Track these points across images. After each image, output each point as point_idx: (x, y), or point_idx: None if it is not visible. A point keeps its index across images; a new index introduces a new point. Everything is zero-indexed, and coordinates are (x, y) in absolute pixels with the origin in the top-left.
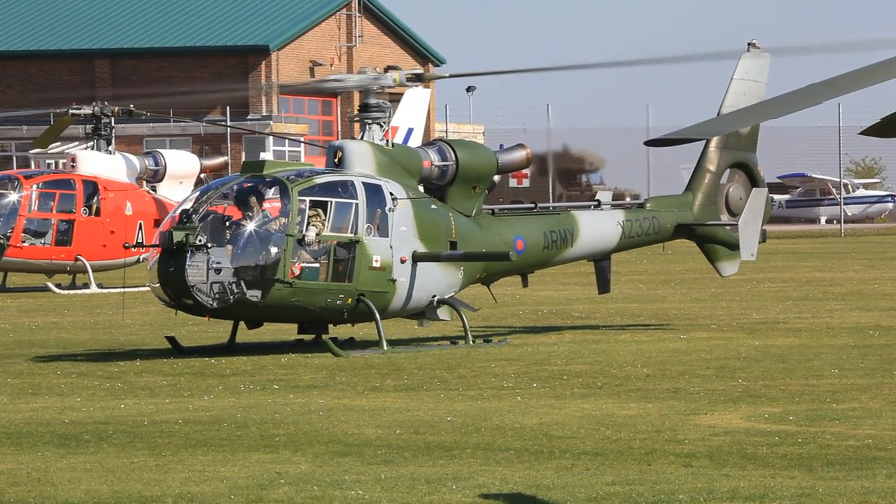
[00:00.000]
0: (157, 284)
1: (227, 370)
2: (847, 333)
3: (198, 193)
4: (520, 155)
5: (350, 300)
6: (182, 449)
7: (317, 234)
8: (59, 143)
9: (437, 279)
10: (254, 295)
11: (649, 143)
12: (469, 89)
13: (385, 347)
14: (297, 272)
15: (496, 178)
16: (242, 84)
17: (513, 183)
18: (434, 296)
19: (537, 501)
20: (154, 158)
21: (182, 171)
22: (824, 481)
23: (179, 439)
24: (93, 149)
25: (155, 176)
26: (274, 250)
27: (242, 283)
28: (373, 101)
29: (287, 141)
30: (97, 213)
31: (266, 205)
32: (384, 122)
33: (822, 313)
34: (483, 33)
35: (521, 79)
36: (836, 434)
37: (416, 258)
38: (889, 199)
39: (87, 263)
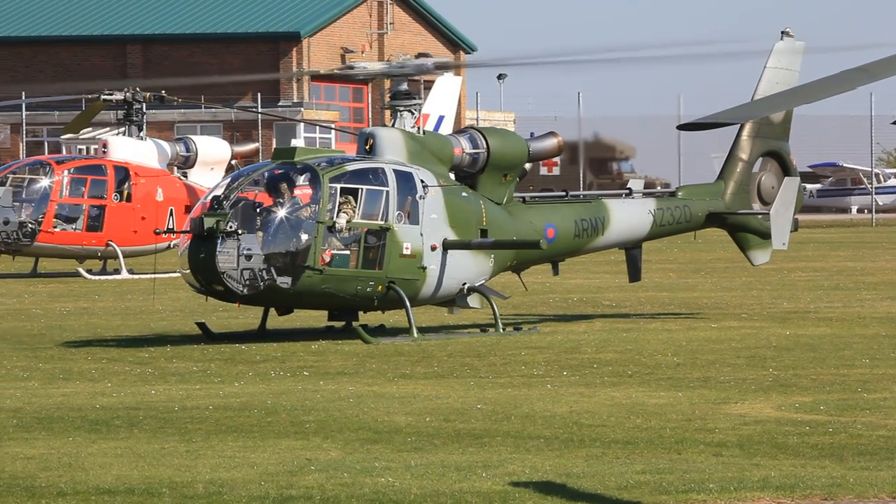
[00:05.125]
0: (188, 270)
1: (257, 356)
2: (878, 323)
3: (229, 180)
4: (551, 143)
5: (380, 287)
6: (212, 435)
7: (347, 222)
8: (90, 129)
9: (468, 267)
10: (284, 282)
11: (682, 128)
12: (500, 77)
13: (415, 335)
14: (327, 259)
15: (527, 165)
16: (273, 70)
17: (543, 171)
18: (464, 283)
19: (567, 490)
20: (185, 144)
21: (213, 157)
22: (855, 471)
23: (210, 425)
24: (124, 134)
25: (186, 162)
26: (304, 237)
27: (273, 270)
28: (404, 88)
29: (318, 128)
30: (128, 199)
31: (297, 191)
32: (415, 110)
33: (853, 303)
34: (514, 21)
35: (553, 67)
36: (868, 424)
37: (447, 246)
38: None
39: (118, 249)
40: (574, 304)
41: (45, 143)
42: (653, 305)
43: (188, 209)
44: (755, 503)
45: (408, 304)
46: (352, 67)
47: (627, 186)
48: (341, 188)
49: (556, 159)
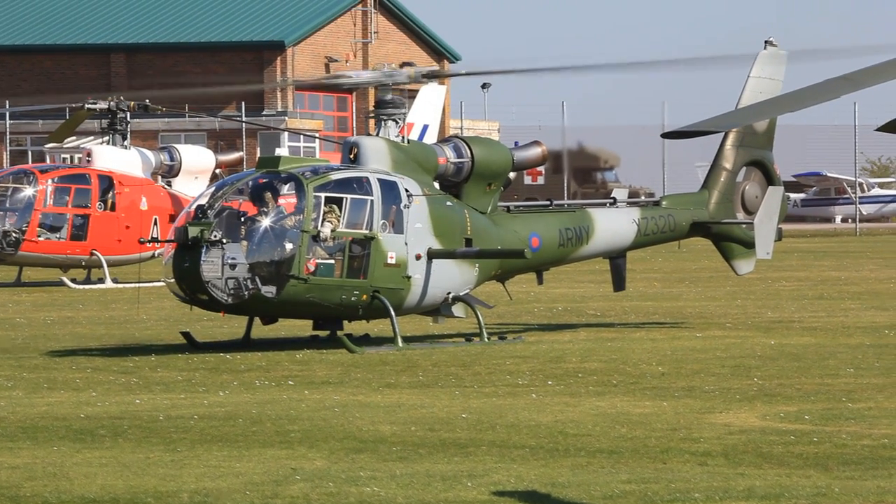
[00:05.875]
0: (172, 280)
1: (242, 366)
2: (862, 332)
3: (213, 189)
4: (535, 152)
5: (365, 297)
6: (197, 444)
7: (332, 231)
8: (74, 138)
9: (453, 276)
10: (269, 291)
11: (666, 136)
12: (484, 86)
13: (400, 344)
14: (311, 268)
15: (511, 175)
16: (258, 79)
17: (528, 180)
18: (449, 293)
19: (552, 499)
20: (169, 153)
21: (197, 166)
22: (840, 481)
23: (195, 435)
24: (108, 143)
25: (170, 171)
26: (289, 246)
27: (257, 279)
28: (388, 97)
29: (302, 137)
30: (112, 208)
31: (281, 201)
32: (399, 119)
33: (837, 312)
34: (499, 31)
35: (537, 76)
36: (852, 433)
37: (432, 255)
38: None
39: (102, 258)
40: (559, 313)
41: (29, 152)
42: (637, 315)
43: (172, 218)
44: None
45: (392, 313)
46: (339, 77)
47: (612, 196)
48: (326, 197)
49: (541, 168)
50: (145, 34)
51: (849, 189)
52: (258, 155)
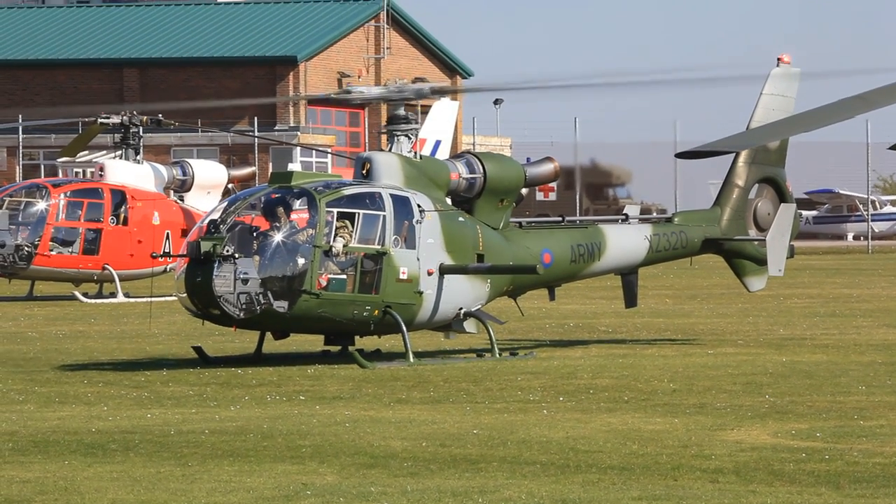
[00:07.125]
0: (184, 294)
1: (253, 381)
2: (874, 350)
3: (225, 204)
4: (547, 168)
5: (377, 312)
6: (208, 459)
7: (344, 246)
8: (87, 152)
9: (464, 292)
10: (280, 306)
11: (680, 156)
12: (497, 102)
13: (411, 359)
14: (324, 283)
15: (523, 191)
16: (270, 95)
17: (540, 196)
18: (461, 308)
19: None
20: (182, 168)
21: (210, 181)
22: (851, 498)
23: (206, 449)
24: (121, 158)
25: (182, 186)
26: (301, 261)
27: (269, 294)
28: (401, 112)
29: (314, 152)
30: (125, 223)
31: (293, 216)
32: (412, 134)
33: (849, 330)
34: (511, 46)
35: (549, 92)
36: (864, 451)
37: (443, 270)
38: None
39: (114, 272)
40: (570, 329)
41: (42, 167)
42: (649, 331)
43: (184, 233)
44: None
45: (404, 328)
46: (349, 92)
47: (624, 212)
48: (338, 212)
49: (553, 185)
50: (158, 49)
51: (861, 206)
52: (270, 170)
